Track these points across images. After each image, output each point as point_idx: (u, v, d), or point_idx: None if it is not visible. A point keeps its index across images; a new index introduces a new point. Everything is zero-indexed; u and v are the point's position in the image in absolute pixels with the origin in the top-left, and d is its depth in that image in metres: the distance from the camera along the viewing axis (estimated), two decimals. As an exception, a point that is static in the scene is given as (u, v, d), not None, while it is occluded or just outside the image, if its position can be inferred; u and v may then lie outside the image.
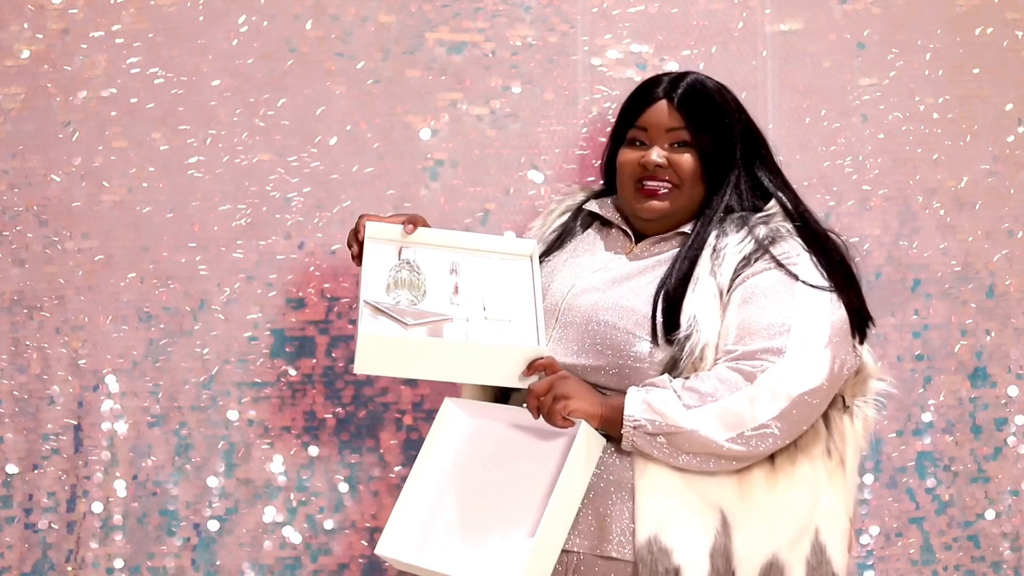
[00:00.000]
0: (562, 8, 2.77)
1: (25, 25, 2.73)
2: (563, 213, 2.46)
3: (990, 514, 2.81)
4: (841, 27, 2.78)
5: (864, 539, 2.78)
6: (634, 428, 2.07)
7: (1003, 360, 2.81)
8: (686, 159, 2.25)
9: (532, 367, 2.14)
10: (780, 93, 2.77)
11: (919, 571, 2.79)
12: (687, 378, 2.10)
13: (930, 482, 2.80)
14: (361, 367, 2.13)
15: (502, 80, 2.77)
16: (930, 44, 2.79)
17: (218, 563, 2.73)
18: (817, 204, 2.72)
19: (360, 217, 2.32)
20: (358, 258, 2.30)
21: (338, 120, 2.76)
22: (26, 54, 2.73)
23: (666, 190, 2.25)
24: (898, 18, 2.79)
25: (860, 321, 2.18)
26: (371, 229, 2.29)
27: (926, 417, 2.80)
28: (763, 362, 2.07)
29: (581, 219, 2.42)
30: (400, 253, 2.29)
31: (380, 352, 2.11)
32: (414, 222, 2.31)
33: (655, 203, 2.25)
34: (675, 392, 2.07)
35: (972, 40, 2.80)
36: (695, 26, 2.78)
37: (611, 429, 2.10)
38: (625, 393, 2.10)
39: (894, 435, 2.79)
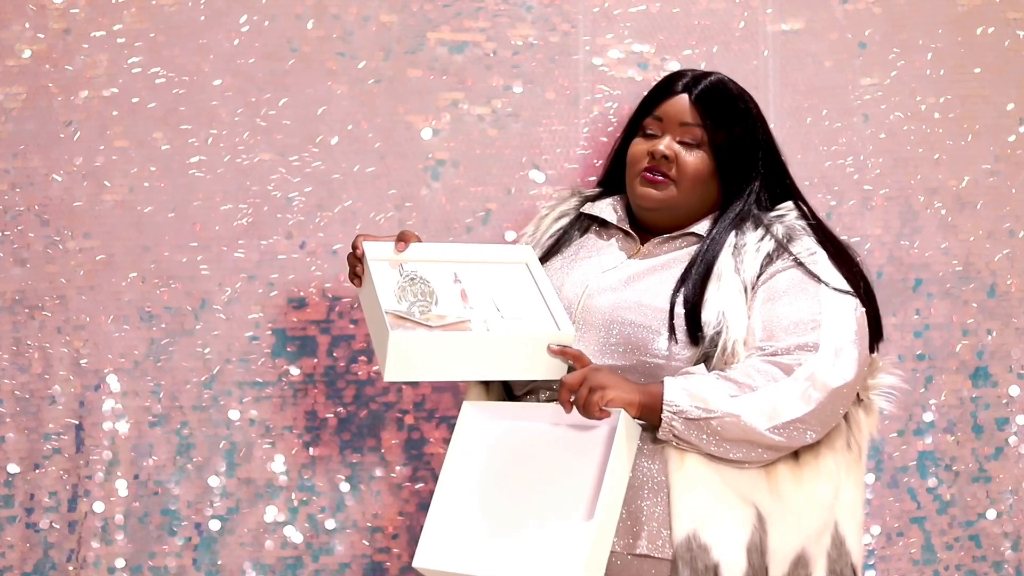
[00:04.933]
0: (563, 8, 2.77)
1: (26, 25, 2.73)
2: (557, 218, 2.45)
3: (991, 514, 2.81)
4: (842, 27, 2.79)
5: (865, 539, 2.77)
6: (674, 414, 2.05)
7: (1004, 360, 2.81)
8: (694, 157, 2.25)
9: (563, 352, 2.13)
10: (781, 93, 2.78)
11: (920, 571, 2.79)
12: (721, 371, 2.09)
13: (931, 482, 2.80)
14: (392, 374, 2.09)
15: (503, 80, 2.77)
16: (931, 44, 2.80)
17: (219, 563, 2.73)
18: (818, 204, 2.71)
19: (356, 237, 2.28)
20: (359, 278, 2.28)
21: (339, 120, 2.76)
22: (27, 54, 2.73)
23: (664, 181, 2.25)
24: (899, 18, 2.79)
25: (873, 331, 2.20)
26: (369, 249, 2.27)
27: (927, 417, 2.80)
28: (798, 357, 2.07)
29: (579, 223, 2.41)
30: (402, 268, 2.27)
31: (411, 355, 2.09)
32: (405, 239, 2.27)
33: (652, 191, 2.26)
34: (714, 379, 2.07)
35: (973, 40, 2.80)
36: (696, 26, 2.78)
37: (649, 417, 2.08)
38: (658, 383, 2.08)
39: (895, 435, 2.79)
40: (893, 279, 2.79)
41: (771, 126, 2.71)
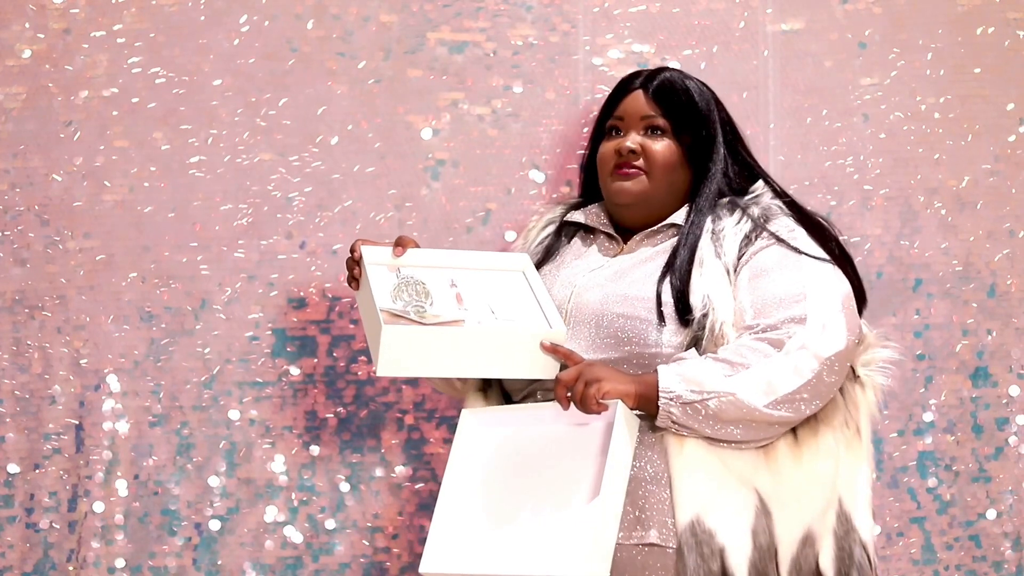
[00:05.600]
0: (563, 8, 2.77)
1: (27, 25, 2.73)
2: (544, 227, 2.46)
3: (991, 514, 2.81)
4: (842, 27, 2.79)
5: (865, 539, 2.78)
6: (670, 400, 2.05)
7: (1004, 360, 2.81)
8: (660, 146, 2.28)
9: (554, 349, 2.13)
10: (781, 93, 2.78)
11: (920, 571, 2.79)
12: (713, 353, 2.10)
13: (931, 482, 2.80)
14: (384, 368, 2.10)
15: (503, 80, 2.77)
16: (931, 44, 2.80)
17: (219, 563, 2.73)
18: (818, 204, 2.72)
19: (355, 242, 2.28)
20: (356, 281, 2.28)
21: (339, 120, 2.76)
22: (27, 54, 2.74)
23: (637, 173, 2.28)
24: (899, 18, 2.79)
25: (856, 296, 2.21)
26: (367, 254, 2.27)
27: (927, 417, 2.80)
28: (787, 330, 2.08)
29: (564, 232, 2.43)
30: (399, 272, 2.27)
31: (404, 349, 2.10)
32: (403, 244, 2.28)
33: (627, 184, 2.29)
34: (707, 361, 2.07)
35: (973, 40, 2.80)
36: (696, 26, 2.78)
37: (646, 406, 2.09)
38: (652, 372, 2.09)
39: (895, 435, 2.79)
40: (893, 279, 2.79)
41: (770, 126, 2.74)
